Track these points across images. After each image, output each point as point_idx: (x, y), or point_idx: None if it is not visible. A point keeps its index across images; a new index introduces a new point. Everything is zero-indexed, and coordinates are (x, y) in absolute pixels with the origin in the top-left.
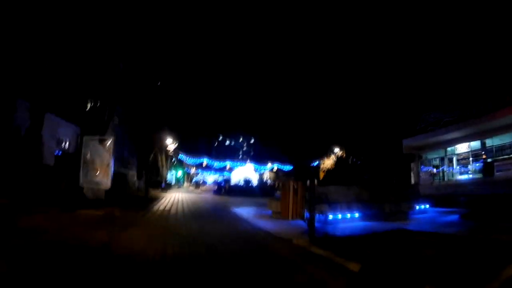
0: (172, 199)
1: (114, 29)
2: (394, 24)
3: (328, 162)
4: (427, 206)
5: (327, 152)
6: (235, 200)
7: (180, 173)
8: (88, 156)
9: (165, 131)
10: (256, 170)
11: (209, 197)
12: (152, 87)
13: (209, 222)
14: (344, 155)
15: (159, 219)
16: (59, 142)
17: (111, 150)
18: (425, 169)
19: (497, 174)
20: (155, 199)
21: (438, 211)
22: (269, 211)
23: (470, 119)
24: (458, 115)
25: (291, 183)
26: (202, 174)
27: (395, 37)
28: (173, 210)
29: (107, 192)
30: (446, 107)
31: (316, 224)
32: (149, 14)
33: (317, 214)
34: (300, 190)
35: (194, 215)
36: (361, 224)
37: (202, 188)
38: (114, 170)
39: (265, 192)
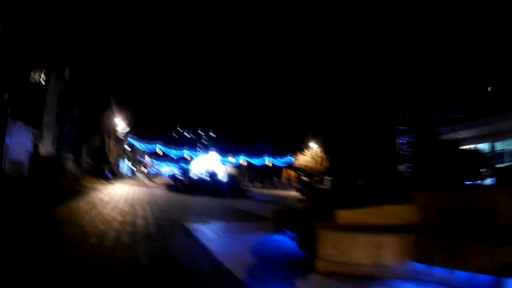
0: (103, 196)
1: None
2: (394, 13)
3: (303, 158)
4: None
5: (301, 147)
6: (200, 203)
7: (131, 162)
8: None
9: (113, 108)
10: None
11: (161, 195)
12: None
13: None
14: (324, 152)
15: None
16: None
17: None
18: None
19: None
20: (77, 193)
21: None
22: (284, 240)
23: (482, 118)
24: (467, 112)
25: None
26: (157, 165)
27: (394, 26)
28: (75, 229)
29: None
30: (452, 102)
31: None
32: None
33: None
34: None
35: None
36: None
37: (156, 180)
38: (46, 151)
39: (236, 191)
